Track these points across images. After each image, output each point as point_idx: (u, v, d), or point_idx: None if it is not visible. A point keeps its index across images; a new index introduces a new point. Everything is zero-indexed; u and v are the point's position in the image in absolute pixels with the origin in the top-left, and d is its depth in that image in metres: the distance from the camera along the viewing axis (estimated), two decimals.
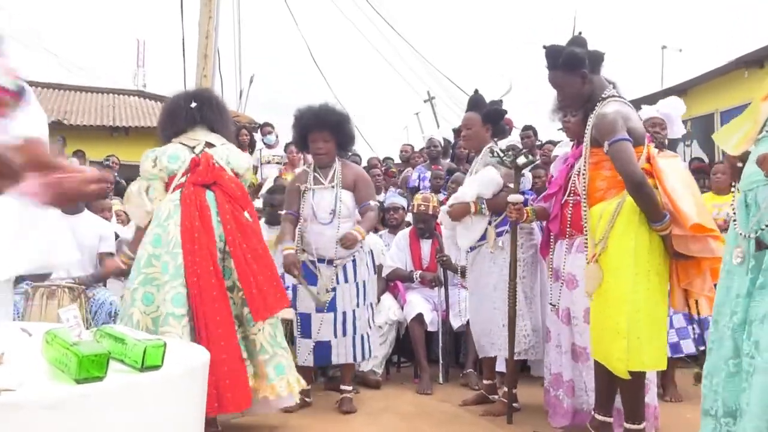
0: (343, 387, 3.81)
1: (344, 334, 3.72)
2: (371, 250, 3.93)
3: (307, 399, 3.71)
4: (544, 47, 2.95)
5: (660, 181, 2.77)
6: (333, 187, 3.77)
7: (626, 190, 2.74)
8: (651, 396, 3.11)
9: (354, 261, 3.76)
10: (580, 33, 3.02)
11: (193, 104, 3.24)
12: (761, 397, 1.78)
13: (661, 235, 2.73)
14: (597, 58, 2.94)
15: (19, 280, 3.95)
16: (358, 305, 3.75)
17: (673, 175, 2.81)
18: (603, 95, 2.90)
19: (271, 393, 3.05)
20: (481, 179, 3.65)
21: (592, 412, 3.00)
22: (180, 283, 2.90)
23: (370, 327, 3.88)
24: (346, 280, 3.74)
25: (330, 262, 3.71)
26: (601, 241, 2.75)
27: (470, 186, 3.68)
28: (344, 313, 3.71)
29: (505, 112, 3.85)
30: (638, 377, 2.77)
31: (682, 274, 2.84)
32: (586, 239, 3.14)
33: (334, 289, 3.70)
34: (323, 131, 3.75)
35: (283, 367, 3.13)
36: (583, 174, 2.91)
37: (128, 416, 1.37)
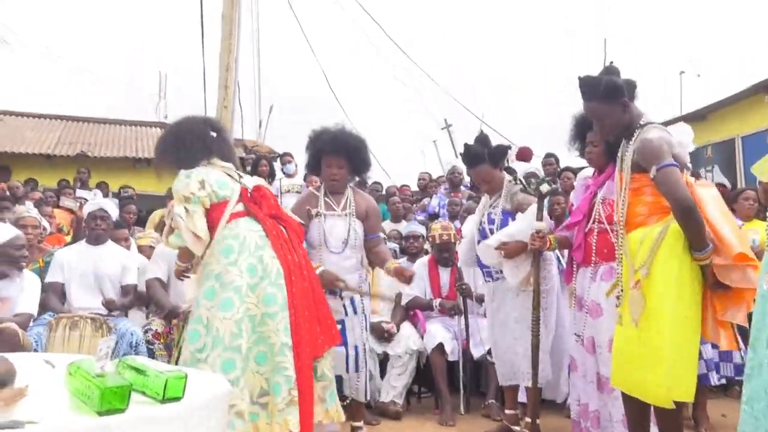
0: (354, 424, 3.62)
1: (356, 369, 3.55)
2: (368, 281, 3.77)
3: None
4: (580, 78, 2.88)
5: (701, 210, 2.69)
6: (346, 215, 3.61)
7: (673, 216, 2.67)
8: None
9: (360, 296, 3.61)
10: (611, 62, 2.98)
11: (213, 134, 3.20)
12: None
13: (701, 265, 2.67)
14: (632, 87, 2.89)
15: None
16: (366, 338, 3.61)
17: (712, 203, 2.75)
18: (641, 122, 2.84)
19: (326, 417, 3.08)
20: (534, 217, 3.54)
21: None
22: (287, 315, 2.91)
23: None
24: (355, 312, 3.56)
25: (335, 293, 3.50)
26: (642, 267, 2.67)
27: (525, 224, 3.55)
28: (356, 348, 3.54)
29: (508, 147, 3.86)
30: (679, 407, 2.69)
31: (719, 304, 2.75)
32: (612, 266, 3.11)
33: (342, 322, 3.48)
34: (339, 156, 3.60)
35: (335, 395, 3.15)
36: (623, 200, 2.83)
37: None
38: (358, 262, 3.64)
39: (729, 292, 2.70)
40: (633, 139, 2.81)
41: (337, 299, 3.52)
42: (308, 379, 2.92)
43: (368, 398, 3.72)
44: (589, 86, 2.86)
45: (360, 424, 3.65)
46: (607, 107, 2.83)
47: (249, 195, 3.12)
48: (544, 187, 3.46)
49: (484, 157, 3.76)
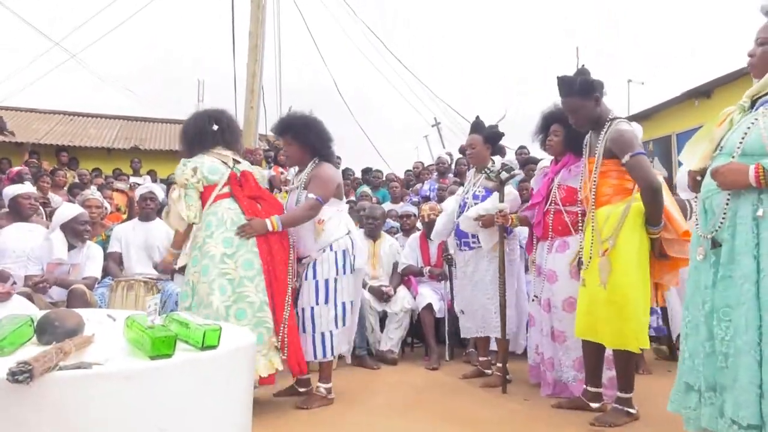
0: (318, 384, 3.24)
1: (303, 330, 3.13)
2: (345, 251, 3.21)
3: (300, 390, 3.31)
4: (558, 77, 2.84)
5: None
6: (297, 188, 3.29)
7: (633, 197, 2.68)
8: None
9: (315, 261, 3.17)
10: (583, 65, 2.89)
11: (215, 127, 3.10)
12: (747, 374, 1.76)
13: (651, 237, 2.68)
14: (601, 86, 2.86)
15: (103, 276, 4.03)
16: (317, 303, 3.13)
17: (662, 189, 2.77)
18: (610, 116, 2.80)
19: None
20: (509, 198, 3.61)
21: (584, 386, 2.96)
22: (263, 278, 2.93)
23: (339, 325, 3.19)
24: (306, 278, 3.16)
25: (300, 260, 3.21)
26: (609, 238, 2.66)
27: (496, 202, 3.57)
28: (302, 310, 3.14)
29: (503, 134, 3.79)
30: (634, 354, 2.74)
31: (657, 270, 2.78)
32: (565, 240, 3.11)
33: (300, 286, 3.19)
34: (285, 136, 3.30)
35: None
36: (594, 181, 2.79)
37: (191, 385, 1.40)
38: (308, 227, 3.19)
39: (668, 261, 2.73)
40: (604, 130, 2.77)
41: (302, 265, 3.20)
42: (292, 329, 3.00)
43: (319, 358, 3.17)
44: (567, 84, 2.82)
45: (328, 384, 3.23)
46: (582, 101, 2.79)
47: (237, 179, 3.07)
48: (503, 175, 3.49)
49: (481, 129, 3.77)
